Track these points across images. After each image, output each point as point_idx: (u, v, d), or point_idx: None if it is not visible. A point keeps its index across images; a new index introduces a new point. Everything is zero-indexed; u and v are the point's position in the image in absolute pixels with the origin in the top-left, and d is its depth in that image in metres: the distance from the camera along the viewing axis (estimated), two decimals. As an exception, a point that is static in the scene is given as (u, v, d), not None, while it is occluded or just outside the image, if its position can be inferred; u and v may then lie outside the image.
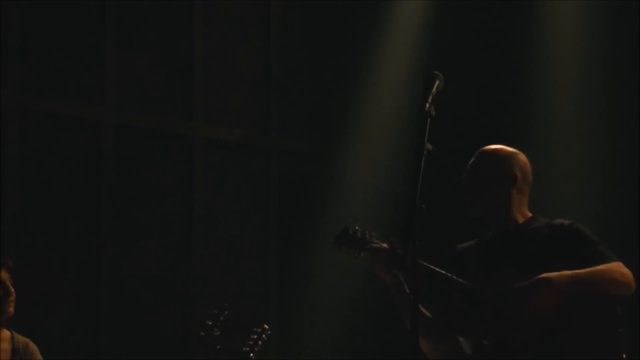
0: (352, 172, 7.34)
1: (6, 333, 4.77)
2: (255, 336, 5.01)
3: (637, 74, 6.63)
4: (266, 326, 5.07)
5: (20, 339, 4.81)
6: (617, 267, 3.83)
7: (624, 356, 3.75)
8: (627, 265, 3.81)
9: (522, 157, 4.09)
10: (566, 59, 6.97)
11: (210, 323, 4.97)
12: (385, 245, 3.86)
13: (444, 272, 3.81)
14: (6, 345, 4.74)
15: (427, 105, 3.40)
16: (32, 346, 4.83)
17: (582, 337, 3.76)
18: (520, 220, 4.00)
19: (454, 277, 3.81)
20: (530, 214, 4.03)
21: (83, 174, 6.45)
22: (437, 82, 3.47)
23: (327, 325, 7.12)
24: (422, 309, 3.92)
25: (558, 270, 3.77)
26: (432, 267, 3.80)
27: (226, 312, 5.02)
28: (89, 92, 6.53)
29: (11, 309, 4.71)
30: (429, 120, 3.37)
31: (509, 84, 7.17)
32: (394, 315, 3.89)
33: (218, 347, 4.92)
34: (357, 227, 3.92)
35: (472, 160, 4.01)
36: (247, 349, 4.96)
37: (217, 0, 7.14)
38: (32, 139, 6.26)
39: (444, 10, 7.39)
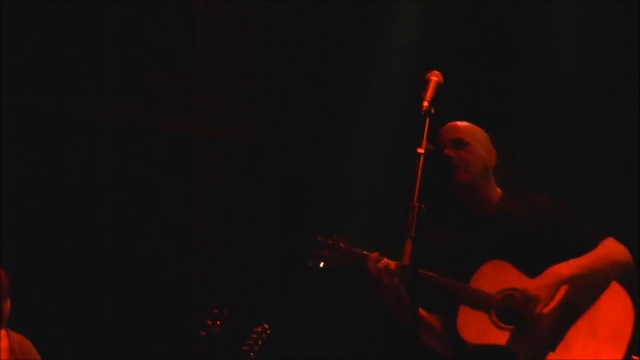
0: (352, 172, 7.34)
1: (2, 332, 4.77)
2: (255, 336, 5.02)
3: (637, 73, 6.62)
4: (266, 326, 5.08)
5: (16, 337, 4.81)
6: (613, 246, 3.82)
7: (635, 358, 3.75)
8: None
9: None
10: (567, 58, 6.96)
11: (210, 323, 4.98)
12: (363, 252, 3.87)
13: (444, 280, 3.78)
14: (2, 344, 4.74)
15: (427, 104, 3.39)
16: (28, 344, 4.83)
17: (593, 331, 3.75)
18: (495, 199, 3.97)
19: (455, 283, 3.78)
20: (500, 190, 4.00)
21: (83, 174, 6.45)
22: (436, 82, 3.47)
23: (327, 325, 7.12)
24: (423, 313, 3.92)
25: (551, 258, 3.76)
26: (431, 275, 3.78)
27: (226, 312, 5.02)
28: (90, 91, 6.53)
29: (2, 326, 4.73)
30: (428, 119, 3.37)
31: (509, 83, 7.16)
32: (394, 314, 3.89)
33: (218, 347, 4.93)
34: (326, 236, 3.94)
35: (454, 136, 3.92)
36: (247, 348, 4.96)
37: (217, 0, 7.15)
38: (32, 139, 6.26)
39: (444, 9, 7.38)
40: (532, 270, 3.78)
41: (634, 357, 3.71)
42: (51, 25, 6.34)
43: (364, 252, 3.87)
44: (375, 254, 3.83)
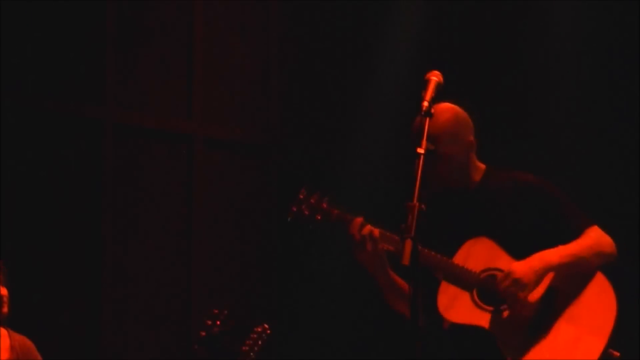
0: (352, 172, 7.33)
1: (2, 331, 4.77)
2: (255, 336, 5.02)
3: (637, 73, 6.63)
4: (266, 326, 5.08)
5: (17, 337, 4.80)
6: (600, 237, 3.80)
7: (618, 355, 3.73)
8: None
9: (462, 110, 3.92)
10: (567, 58, 6.96)
11: (210, 323, 4.98)
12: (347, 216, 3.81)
13: (428, 252, 3.71)
14: (3, 344, 4.74)
15: (427, 104, 3.39)
16: (29, 344, 4.83)
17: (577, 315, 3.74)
18: (477, 177, 3.91)
19: (438, 256, 3.73)
20: (483, 166, 3.95)
21: (83, 174, 6.45)
22: (436, 82, 3.47)
23: (327, 325, 7.11)
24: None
25: (534, 236, 3.74)
26: (427, 251, 3.72)
27: (226, 312, 5.02)
28: (89, 91, 6.53)
29: (4, 309, 4.71)
30: (428, 119, 3.37)
31: (509, 83, 7.16)
32: (395, 314, 3.88)
33: (218, 347, 4.93)
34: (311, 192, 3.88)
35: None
36: (247, 348, 4.96)
37: (217, 0, 7.14)
38: (32, 139, 6.26)
39: (444, 9, 7.39)
40: (515, 247, 3.74)
41: (615, 352, 3.71)
42: (51, 25, 6.34)
43: (348, 215, 3.84)
44: (359, 219, 3.80)
